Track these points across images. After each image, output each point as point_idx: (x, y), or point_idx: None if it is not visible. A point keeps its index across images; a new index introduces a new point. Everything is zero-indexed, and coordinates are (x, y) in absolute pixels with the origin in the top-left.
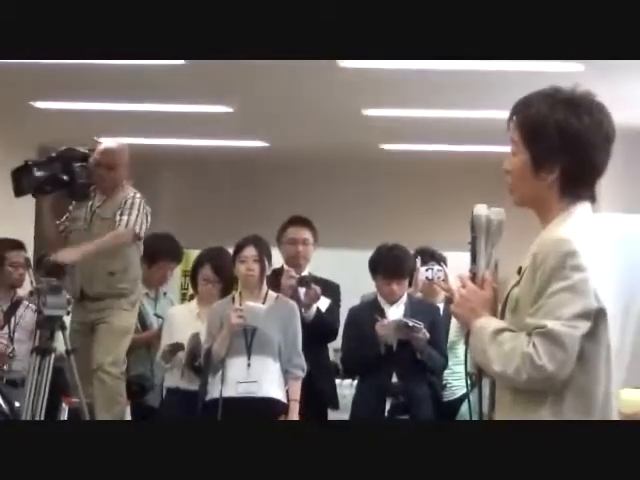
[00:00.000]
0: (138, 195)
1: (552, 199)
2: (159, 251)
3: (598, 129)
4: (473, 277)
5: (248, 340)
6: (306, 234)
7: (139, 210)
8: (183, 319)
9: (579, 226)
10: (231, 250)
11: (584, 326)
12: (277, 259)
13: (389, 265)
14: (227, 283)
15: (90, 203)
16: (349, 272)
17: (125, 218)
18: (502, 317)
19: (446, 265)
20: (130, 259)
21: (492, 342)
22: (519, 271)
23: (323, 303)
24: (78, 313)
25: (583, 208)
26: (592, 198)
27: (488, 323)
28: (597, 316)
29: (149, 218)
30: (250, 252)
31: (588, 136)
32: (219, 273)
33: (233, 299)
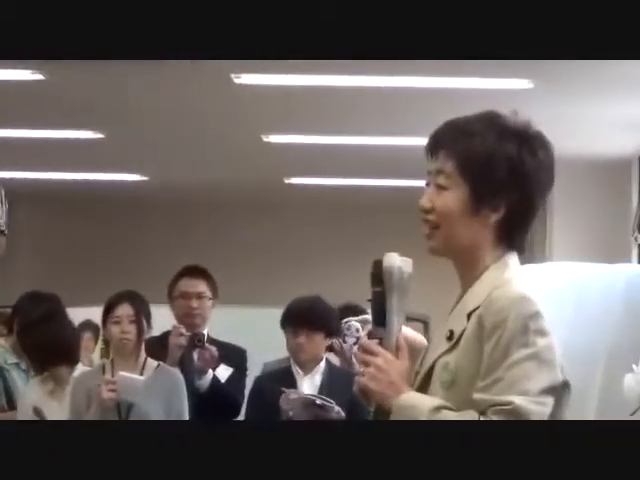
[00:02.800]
0: None
1: (485, 245)
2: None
3: (548, 170)
4: (380, 343)
5: (123, 419)
6: (202, 286)
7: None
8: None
9: (526, 279)
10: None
11: (550, 403)
12: (164, 321)
13: (297, 313)
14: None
15: None
16: (257, 334)
17: None
18: (422, 392)
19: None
20: None
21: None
22: (450, 336)
23: (223, 372)
24: None
25: (515, 259)
26: (523, 248)
27: (420, 400)
28: (561, 391)
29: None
30: (125, 311)
31: (539, 176)
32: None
33: (103, 368)
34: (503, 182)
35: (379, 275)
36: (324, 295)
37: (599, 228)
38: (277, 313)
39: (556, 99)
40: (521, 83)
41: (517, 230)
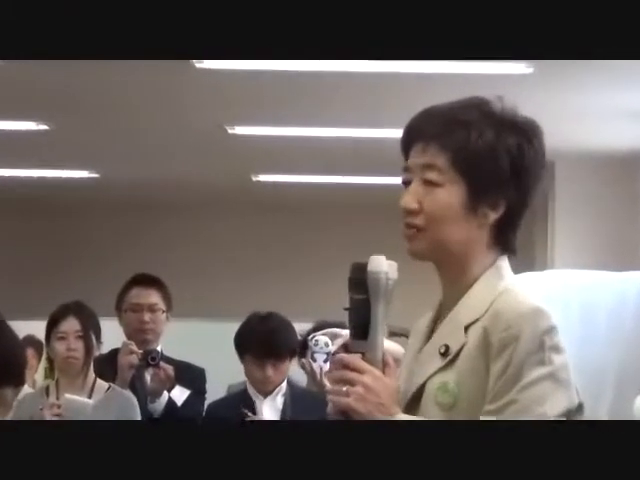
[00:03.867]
0: None
1: (479, 248)
2: None
3: (543, 160)
4: (362, 358)
5: None
6: (154, 297)
7: None
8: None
9: (529, 287)
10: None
11: None
12: (116, 337)
13: (261, 342)
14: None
15: None
16: (218, 351)
17: None
18: (411, 414)
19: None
20: None
21: None
22: (445, 352)
23: (180, 394)
24: None
25: (507, 263)
26: (515, 251)
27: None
28: (576, 414)
29: None
30: (71, 325)
31: (536, 168)
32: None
33: (47, 390)
34: (504, 177)
35: (361, 281)
36: (296, 308)
37: (606, 231)
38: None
39: (556, 85)
40: (518, 67)
41: (512, 230)
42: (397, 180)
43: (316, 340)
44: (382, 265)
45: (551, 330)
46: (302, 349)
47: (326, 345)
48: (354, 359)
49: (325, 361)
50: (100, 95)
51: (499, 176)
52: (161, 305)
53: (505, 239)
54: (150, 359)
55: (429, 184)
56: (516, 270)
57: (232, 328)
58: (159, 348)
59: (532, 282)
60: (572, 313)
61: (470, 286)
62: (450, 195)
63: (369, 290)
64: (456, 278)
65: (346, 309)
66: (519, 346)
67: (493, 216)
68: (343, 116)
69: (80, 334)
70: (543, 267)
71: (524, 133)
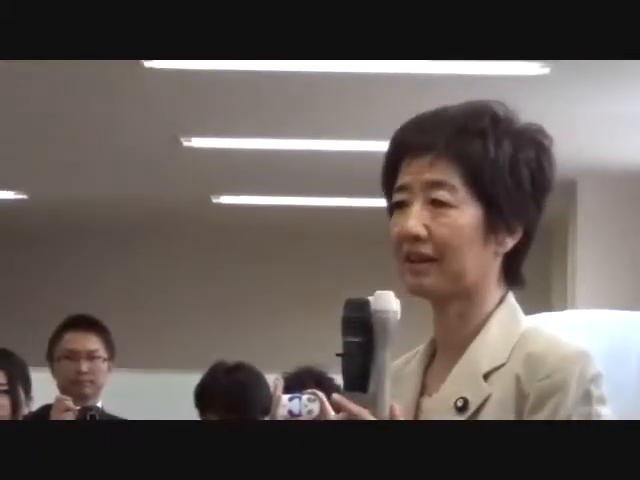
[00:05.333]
0: None
1: (491, 281)
2: None
3: (554, 175)
4: None
5: None
6: (93, 343)
7: None
8: None
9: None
10: None
11: None
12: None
13: (225, 396)
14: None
15: None
16: (169, 406)
17: None
18: None
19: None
20: None
21: None
22: (463, 406)
23: None
24: None
25: (512, 297)
26: (524, 283)
27: None
28: None
29: None
30: None
31: (552, 186)
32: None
33: None
34: (525, 196)
35: (361, 321)
36: (270, 357)
37: (636, 261)
38: (196, 379)
39: (577, 87)
40: (531, 67)
41: (523, 259)
42: (379, 202)
43: (297, 401)
44: (391, 303)
45: (598, 378)
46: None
47: (309, 402)
48: (360, 411)
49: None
50: (31, 103)
51: (519, 195)
52: (102, 352)
53: (516, 270)
54: (89, 417)
55: (438, 205)
56: (529, 310)
57: (189, 381)
58: (99, 404)
59: (549, 324)
60: (598, 361)
61: (482, 325)
62: (466, 218)
63: (375, 333)
64: (464, 316)
65: (339, 355)
66: (565, 397)
67: (511, 242)
68: (322, 125)
69: (5, 388)
70: (562, 306)
71: (539, 143)
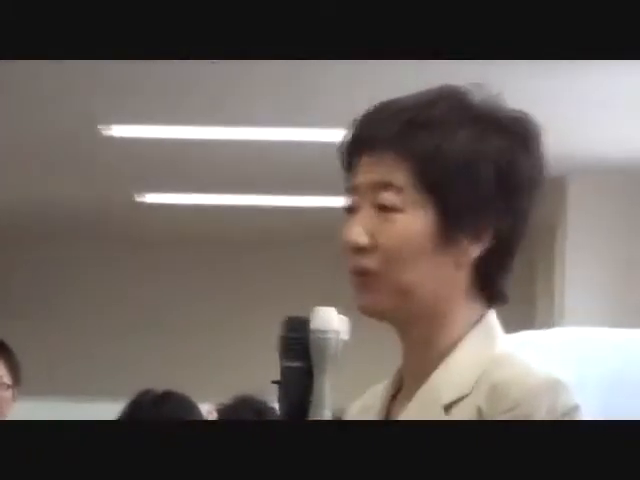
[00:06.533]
0: None
1: (457, 297)
2: None
3: (542, 171)
4: None
5: None
6: None
7: None
8: None
9: (529, 352)
10: None
11: None
12: None
13: None
14: None
15: None
16: None
17: None
18: None
19: None
20: None
21: None
22: None
23: None
24: None
25: (494, 316)
26: (506, 298)
27: None
28: None
29: None
30: None
31: (533, 184)
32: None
33: None
34: (488, 195)
35: (300, 342)
36: (203, 384)
37: (637, 271)
38: (117, 410)
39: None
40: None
41: (503, 271)
42: (337, 202)
43: None
44: (332, 321)
45: (574, 412)
46: None
47: None
48: None
49: None
50: None
51: (481, 194)
52: (5, 379)
53: (492, 283)
54: None
55: (384, 210)
56: (510, 328)
57: (108, 410)
58: None
59: (533, 345)
60: (590, 387)
61: (449, 351)
62: (414, 223)
63: (312, 356)
64: (428, 340)
65: (275, 382)
66: None
67: (475, 251)
68: (261, 112)
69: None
70: (548, 323)
71: (515, 133)
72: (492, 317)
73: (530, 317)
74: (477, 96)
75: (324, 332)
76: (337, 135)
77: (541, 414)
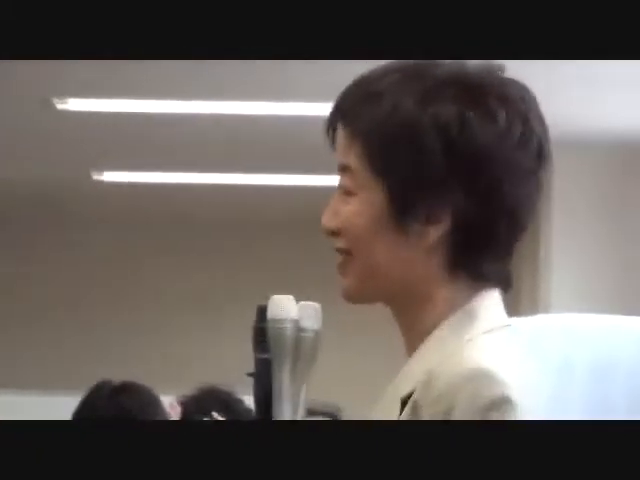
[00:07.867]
0: None
1: (433, 278)
2: None
3: (524, 141)
4: None
5: None
6: None
7: None
8: None
9: (503, 339)
10: None
11: None
12: None
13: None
14: None
15: None
16: None
17: None
18: None
19: None
20: None
21: None
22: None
23: None
24: None
25: (492, 299)
26: (506, 281)
27: None
28: None
29: None
30: None
31: (506, 154)
32: None
33: None
34: (440, 172)
35: (266, 333)
36: (165, 374)
37: (630, 254)
38: (75, 402)
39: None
40: None
41: (485, 250)
42: (295, 180)
43: None
44: (288, 310)
45: (500, 403)
46: None
47: None
48: None
49: None
50: None
51: (427, 172)
52: None
53: (474, 264)
54: None
55: (344, 193)
56: None
57: (66, 404)
58: None
59: (515, 332)
60: (576, 377)
61: (425, 335)
62: (363, 205)
63: (270, 347)
64: (411, 326)
65: (250, 375)
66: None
67: (435, 232)
68: (228, 86)
69: None
70: (533, 309)
71: (479, 98)
72: (478, 301)
73: (514, 303)
74: (447, 64)
75: (280, 321)
76: (297, 109)
77: (461, 406)
